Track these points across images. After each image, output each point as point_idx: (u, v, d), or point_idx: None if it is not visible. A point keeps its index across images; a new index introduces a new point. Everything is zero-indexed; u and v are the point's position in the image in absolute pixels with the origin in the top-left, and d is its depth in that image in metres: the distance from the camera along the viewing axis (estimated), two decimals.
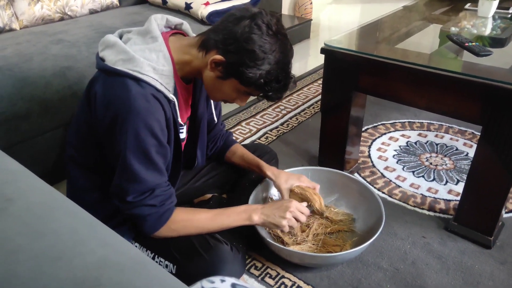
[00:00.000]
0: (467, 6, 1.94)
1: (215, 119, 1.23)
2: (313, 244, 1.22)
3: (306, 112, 2.16)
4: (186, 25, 1.07)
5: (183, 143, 1.12)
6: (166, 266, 1.04)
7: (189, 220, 1.04)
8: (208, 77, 0.96)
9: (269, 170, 1.25)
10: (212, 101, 1.19)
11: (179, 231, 1.02)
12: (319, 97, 2.30)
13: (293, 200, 1.14)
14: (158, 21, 0.99)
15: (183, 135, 1.10)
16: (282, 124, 2.05)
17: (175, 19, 1.05)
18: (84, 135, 1.01)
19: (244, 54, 0.89)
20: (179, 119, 1.00)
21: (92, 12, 2.04)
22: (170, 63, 0.95)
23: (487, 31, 1.71)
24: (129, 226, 1.06)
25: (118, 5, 2.17)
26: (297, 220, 1.11)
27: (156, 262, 1.05)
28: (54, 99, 1.41)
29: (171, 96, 0.95)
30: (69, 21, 1.88)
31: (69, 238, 0.59)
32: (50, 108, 1.41)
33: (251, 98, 1.05)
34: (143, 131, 0.89)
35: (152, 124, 0.90)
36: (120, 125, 0.89)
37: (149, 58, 0.92)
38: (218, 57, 0.91)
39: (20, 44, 1.53)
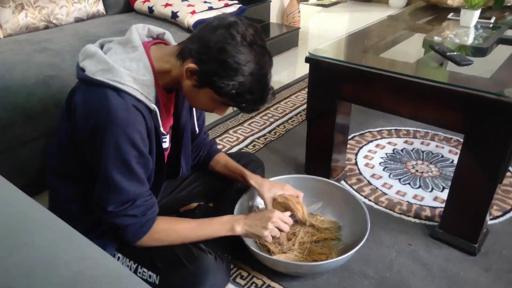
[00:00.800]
0: (450, 15, 1.97)
1: (197, 129, 1.22)
2: (299, 253, 1.21)
3: (294, 120, 2.17)
4: (169, 35, 1.07)
5: (166, 153, 1.12)
6: (150, 276, 1.02)
7: (171, 230, 1.03)
8: (186, 86, 0.95)
9: (253, 179, 1.24)
10: (194, 111, 1.19)
11: (161, 240, 1.02)
12: (306, 104, 2.31)
13: (275, 210, 1.14)
14: (139, 30, 0.99)
15: (166, 144, 1.09)
16: (269, 132, 2.05)
17: (157, 29, 1.04)
18: (65, 145, 0.99)
19: (216, 64, 0.87)
20: (161, 129, 1.00)
21: (78, 20, 2.03)
22: (151, 73, 0.94)
23: (469, 40, 1.73)
24: (111, 236, 1.04)
25: (104, 13, 2.17)
26: (280, 230, 1.10)
27: (140, 272, 1.03)
28: (37, 108, 1.39)
29: (153, 106, 0.94)
30: (54, 30, 1.87)
31: (44, 251, 0.58)
32: (33, 117, 1.39)
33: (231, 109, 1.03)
34: (124, 142, 0.88)
35: (133, 135, 0.89)
36: (101, 136, 0.88)
37: (129, 68, 0.91)
38: (192, 65, 0.90)
39: (3, 53, 1.52)
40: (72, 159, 1.00)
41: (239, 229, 1.08)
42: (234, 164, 1.29)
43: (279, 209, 1.21)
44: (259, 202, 1.35)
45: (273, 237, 1.10)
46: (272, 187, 1.24)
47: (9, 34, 1.78)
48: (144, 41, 1.00)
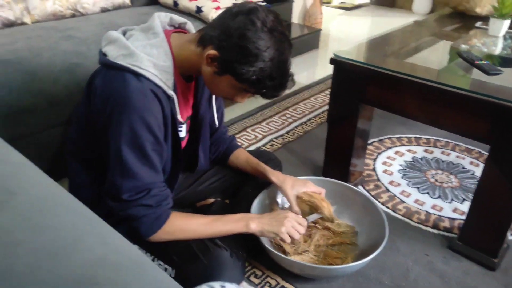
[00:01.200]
0: (478, 24, 1.93)
1: (216, 122, 1.22)
2: (314, 255, 1.20)
3: (312, 122, 2.15)
4: (190, 25, 1.07)
5: (183, 142, 1.11)
6: (165, 269, 1.02)
7: (185, 225, 1.02)
8: (206, 72, 0.95)
9: (274, 176, 1.23)
10: (214, 103, 1.18)
11: (176, 235, 1.01)
12: (326, 107, 2.30)
13: (290, 212, 1.13)
14: (161, 18, 1.00)
15: (182, 133, 1.09)
16: (287, 132, 2.04)
17: (179, 18, 1.05)
18: (83, 128, 1.01)
19: (237, 50, 0.87)
20: (179, 116, 0.99)
21: (104, 10, 2.04)
22: (170, 59, 0.95)
23: (498, 50, 1.70)
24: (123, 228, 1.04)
25: (130, 4, 2.18)
26: (295, 231, 1.09)
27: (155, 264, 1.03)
28: (61, 94, 1.40)
29: (171, 92, 0.94)
30: (80, 18, 1.88)
31: (68, 234, 0.58)
32: (57, 103, 1.40)
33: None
34: (140, 126, 0.88)
35: (149, 119, 0.89)
36: (117, 119, 0.88)
37: (150, 54, 0.92)
38: (213, 52, 0.90)
39: (31, 39, 1.53)
40: (90, 143, 1.01)
41: (253, 227, 1.07)
42: (254, 160, 1.28)
43: (304, 207, 1.20)
44: (280, 199, 1.33)
45: (290, 237, 1.09)
46: (295, 184, 1.22)
47: (37, 21, 1.80)
48: (166, 29, 1.01)
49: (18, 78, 1.33)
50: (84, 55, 1.51)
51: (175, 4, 2.13)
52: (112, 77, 0.90)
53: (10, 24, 1.69)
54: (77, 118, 1.02)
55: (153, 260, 1.04)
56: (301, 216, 1.13)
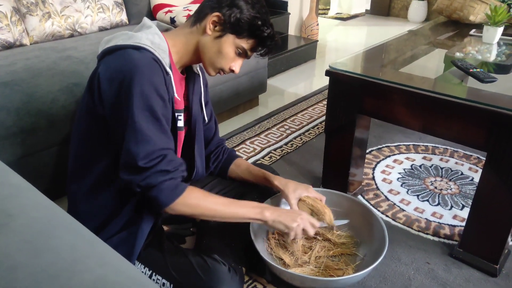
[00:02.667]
0: (472, 32, 1.95)
1: (206, 117, 1.24)
2: (315, 267, 1.20)
3: (311, 132, 2.16)
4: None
5: (182, 133, 1.12)
6: (163, 284, 1.02)
7: (205, 199, 1.03)
8: (206, 42, 1.03)
9: (277, 180, 1.24)
10: (203, 102, 1.20)
11: (194, 208, 1.00)
12: (324, 117, 2.31)
13: (305, 212, 1.14)
14: (150, 22, 1.07)
15: (180, 123, 1.10)
16: (286, 143, 2.05)
17: (165, 25, 1.13)
18: (82, 131, 1.02)
19: (235, 6, 1.01)
20: (176, 95, 1.03)
21: (102, 29, 2.08)
22: (165, 43, 1.01)
23: (492, 57, 1.71)
24: (121, 237, 1.04)
25: (128, 23, 2.21)
26: (305, 231, 1.10)
27: (154, 279, 1.03)
28: (60, 114, 1.42)
29: (168, 69, 0.99)
30: (78, 38, 1.91)
31: (68, 255, 0.59)
32: (56, 123, 1.42)
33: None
34: (149, 89, 0.91)
35: (157, 83, 0.93)
36: (128, 88, 0.90)
37: (147, 37, 0.98)
38: (216, 13, 1.01)
39: (29, 60, 1.55)
40: (90, 144, 1.02)
41: (268, 215, 1.07)
42: (256, 167, 1.30)
43: (305, 210, 1.20)
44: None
45: (296, 235, 1.09)
46: (297, 188, 1.23)
47: (36, 42, 1.83)
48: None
49: (17, 99, 1.35)
50: (82, 74, 1.53)
51: (172, 21, 2.16)
52: (115, 58, 0.94)
53: (9, 46, 1.72)
54: (78, 122, 1.04)
55: (151, 275, 1.04)
56: (314, 219, 1.13)
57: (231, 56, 1.05)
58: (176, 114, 1.04)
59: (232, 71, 1.08)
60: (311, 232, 1.11)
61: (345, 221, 1.31)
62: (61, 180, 1.48)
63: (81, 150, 1.05)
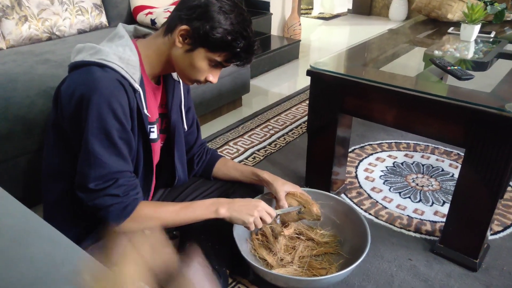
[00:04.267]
0: (450, 30, 1.98)
1: (185, 125, 1.23)
2: (298, 267, 1.20)
3: (294, 132, 2.17)
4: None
5: (156, 144, 1.12)
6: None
7: (155, 213, 1.02)
8: (177, 55, 0.99)
9: (266, 174, 1.25)
10: (183, 110, 1.19)
11: (145, 223, 1.00)
12: (307, 117, 2.32)
13: (261, 200, 1.13)
14: (126, 28, 1.04)
15: (154, 134, 1.09)
16: (269, 144, 2.05)
17: (144, 29, 1.09)
18: (51, 141, 1.01)
19: (207, 17, 0.93)
20: (145, 111, 1.00)
21: (81, 32, 2.05)
22: (136, 55, 0.98)
23: (470, 54, 1.74)
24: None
25: (107, 25, 2.19)
26: (263, 221, 1.10)
27: None
28: (38, 119, 1.39)
29: (137, 85, 0.96)
30: (57, 41, 1.88)
31: (44, 264, 0.58)
32: (34, 128, 1.39)
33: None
34: (106, 113, 0.89)
35: (115, 106, 0.90)
36: (85, 108, 0.89)
37: (116, 51, 0.95)
38: (184, 27, 0.94)
39: (6, 64, 1.53)
40: (60, 153, 1.01)
41: (223, 211, 1.07)
42: (242, 164, 1.30)
43: (293, 202, 1.22)
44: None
45: (255, 226, 1.09)
46: (285, 183, 1.24)
47: (12, 45, 1.79)
48: (131, 39, 1.03)
49: None
50: (61, 78, 1.46)
51: (153, 22, 2.15)
52: (77, 75, 0.92)
53: None
54: (47, 133, 1.03)
55: None
56: (270, 207, 1.14)
57: (204, 69, 1.00)
58: (149, 127, 1.03)
59: (210, 81, 1.04)
60: (269, 220, 1.11)
61: (298, 208, 1.30)
62: (38, 186, 1.45)
63: (50, 160, 1.04)
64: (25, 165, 1.42)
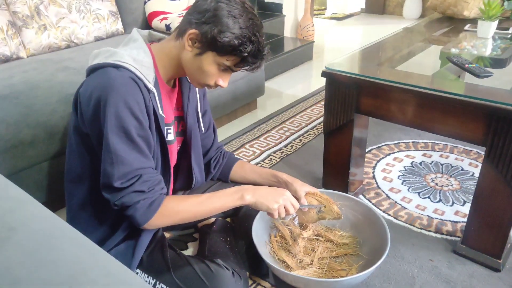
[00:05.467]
0: (467, 27, 1.96)
1: (202, 127, 1.24)
2: (318, 269, 1.20)
3: (310, 134, 2.16)
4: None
5: (172, 146, 1.13)
6: None
7: (181, 206, 1.03)
8: (187, 58, 1.00)
9: (284, 175, 1.26)
10: (199, 113, 1.20)
11: (172, 218, 1.01)
12: (322, 118, 2.31)
13: (287, 190, 1.13)
14: (140, 32, 1.07)
15: (170, 136, 1.11)
16: (285, 146, 2.05)
17: (158, 34, 1.11)
18: (73, 145, 1.03)
19: (215, 21, 0.94)
20: (160, 111, 1.01)
21: (98, 39, 2.08)
22: (150, 57, 1.00)
23: (488, 51, 1.72)
24: (125, 246, 1.05)
25: (123, 32, 2.22)
26: (286, 210, 1.10)
27: None
28: (59, 125, 1.43)
29: (151, 86, 0.97)
30: (75, 49, 1.92)
31: (71, 267, 0.59)
32: (55, 134, 1.42)
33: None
34: (123, 111, 0.91)
35: (132, 104, 0.92)
36: (103, 109, 0.91)
37: (130, 53, 0.97)
38: (193, 31, 0.95)
39: (27, 72, 1.56)
40: (81, 156, 1.03)
41: (248, 197, 1.07)
42: (260, 167, 1.30)
43: (313, 201, 1.22)
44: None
45: (279, 214, 1.09)
46: (304, 184, 1.25)
47: (32, 54, 1.84)
48: (146, 43, 1.05)
49: (16, 112, 1.36)
50: (80, 84, 1.53)
51: (168, 28, 2.17)
52: (94, 77, 0.95)
53: (6, 60, 1.73)
54: (69, 138, 1.06)
55: (155, 284, 1.04)
56: (295, 199, 1.14)
57: (214, 73, 1.01)
58: (165, 128, 1.05)
59: (220, 86, 1.05)
60: (292, 211, 1.12)
61: (319, 206, 1.30)
62: (61, 191, 1.49)
63: (72, 164, 1.06)
64: (48, 170, 1.45)
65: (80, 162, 1.04)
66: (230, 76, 1.05)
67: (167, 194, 1.14)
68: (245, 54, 0.96)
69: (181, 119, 1.18)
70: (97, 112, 0.92)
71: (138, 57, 0.97)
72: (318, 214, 1.24)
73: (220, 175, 1.35)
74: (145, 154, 0.97)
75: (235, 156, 1.37)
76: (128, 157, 0.93)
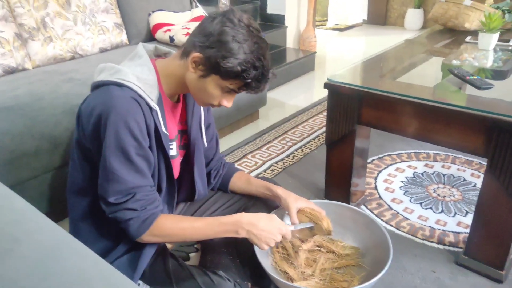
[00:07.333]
0: (468, 39, 1.97)
1: (205, 142, 1.24)
2: (320, 280, 1.20)
3: (312, 144, 2.17)
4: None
5: (175, 161, 1.14)
6: None
7: (174, 229, 1.03)
8: (191, 79, 1.00)
9: (279, 189, 1.25)
10: (203, 127, 1.21)
11: (163, 237, 1.03)
12: (324, 128, 2.32)
13: (284, 224, 1.12)
14: (146, 47, 1.07)
15: (173, 151, 1.11)
16: (287, 156, 2.06)
17: (164, 48, 1.12)
18: (76, 157, 1.05)
19: (219, 46, 0.93)
20: (163, 129, 1.02)
21: (102, 50, 2.11)
22: (154, 75, 1.00)
23: (489, 63, 1.73)
24: (127, 259, 1.06)
25: (128, 43, 2.25)
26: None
27: None
28: (63, 136, 1.44)
29: (153, 104, 0.98)
30: (80, 60, 1.94)
31: (75, 279, 0.60)
32: (59, 145, 1.44)
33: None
34: (123, 130, 0.92)
35: (131, 124, 0.93)
36: (103, 126, 0.92)
37: (134, 70, 0.98)
38: (197, 54, 0.95)
39: (32, 84, 1.58)
40: (84, 169, 1.04)
41: (243, 234, 1.07)
42: (256, 179, 1.31)
43: (304, 218, 1.21)
44: (286, 222, 1.33)
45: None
46: (298, 199, 1.24)
47: (38, 65, 1.86)
48: (151, 58, 1.06)
49: (20, 123, 1.37)
50: (85, 96, 1.53)
51: (171, 39, 2.20)
52: (97, 93, 0.96)
53: (11, 71, 1.75)
54: (72, 150, 1.07)
55: None
56: (289, 231, 1.12)
57: (217, 94, 1.01)
58: (168, 143, 1.06)
59: (224, 106, 1.04)
60: (284, 240, 1.13)
61: (310, 224, 1.30)
62: (63, 201, 1.49)
63: (75, 176, 1.07)
64: (52, 181, 1.46)
65: (82, 175, 1.05)
66: (234, 97, 1.05)
67: (172, 206, 1.14)
68: (249, 80, 0.96)
69: (184, 133, 1.19)
70: (97, 129, 0.94)
71: (142, 75, 0.97)
72: (311, 231, 1.25)
73: (220, 185, 1.36)
74: (143, 173, 0.98)
75: (235, 166, 1.38)
76: (124, 176, 0.95)
